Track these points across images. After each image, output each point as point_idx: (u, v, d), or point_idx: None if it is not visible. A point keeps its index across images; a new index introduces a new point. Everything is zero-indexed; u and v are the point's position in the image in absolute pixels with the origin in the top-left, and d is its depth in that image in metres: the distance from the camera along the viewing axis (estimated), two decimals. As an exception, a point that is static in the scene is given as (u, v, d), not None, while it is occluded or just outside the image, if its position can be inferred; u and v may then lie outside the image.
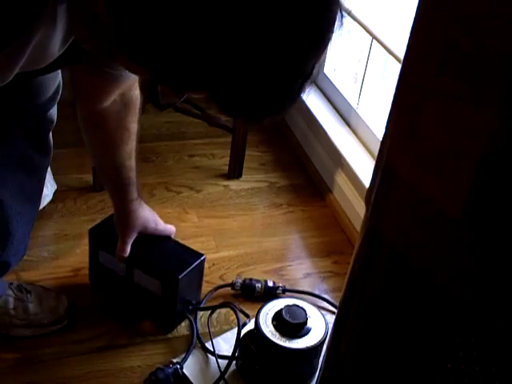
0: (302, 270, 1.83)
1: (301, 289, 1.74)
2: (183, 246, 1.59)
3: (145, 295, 1.55)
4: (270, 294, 1.68)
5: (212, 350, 1.51)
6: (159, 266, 1.51)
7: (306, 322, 1.42)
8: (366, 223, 0.93)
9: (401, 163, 0.82)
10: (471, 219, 0.74)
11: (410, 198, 0.81)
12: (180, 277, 1.47)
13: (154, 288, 1.53)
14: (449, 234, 0.77)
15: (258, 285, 1.70)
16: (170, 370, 1.47)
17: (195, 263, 1.52)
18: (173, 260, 1.52)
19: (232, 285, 1.71)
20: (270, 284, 1.71)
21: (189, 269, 1.50)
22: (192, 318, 1.59)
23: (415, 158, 0.79)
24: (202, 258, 1.55)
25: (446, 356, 0.83)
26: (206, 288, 1.69)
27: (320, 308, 1.55)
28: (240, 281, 1.71)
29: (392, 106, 0.86)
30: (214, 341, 1.53)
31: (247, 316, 1.61)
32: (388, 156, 0.85)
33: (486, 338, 0.79)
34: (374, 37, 1.93)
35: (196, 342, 1.55)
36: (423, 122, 0.78)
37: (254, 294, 1.70)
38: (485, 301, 0.77)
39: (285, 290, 1.71)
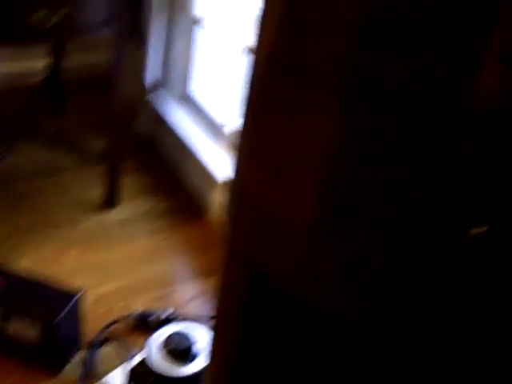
0: (189, 293, 1.83)
1: (190, 312, 1.74)
2: (55, 288, 1.56)
3: (23, 342, 1.51)
4: (165, 321, 1.66)
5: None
6: (33, 313, 1.48)
7: (192, 347, 1.42)
8: (225, 241, 0.93)
9: (249, 176, 0.82)
10: (324, 224, 0.75)
11: (261, 210, 0.81)
12: (55, 322, 1.45)
13: (32, 335, 1.49)
14: (302, 242, 0.77)
15: (152, 315, 1.69)
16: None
17: (70, 304, 1.50)
18: (46, 305, 1.49)
19: (126, 318, 1.69)
20: (163, 312, 1.70)
21: (64, 311, 1.48)
22: (79, 359, 1.57)
23: (262, 169, 0.79)
24: (77, 295, 1.53)
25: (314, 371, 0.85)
26: (96, 325, 1.66)
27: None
28: (134, 313, 1.69)
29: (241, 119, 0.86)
30: (103, 380, 1.51)
31: (136, 348, 1.59)
32: (237, 170, 0.86)
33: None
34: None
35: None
36: (266, 132, 0.78)
37: (149, 325, 1.68)
38: (345, 310, 0.79)
39: (177, 317, 1.70)
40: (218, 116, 2.12)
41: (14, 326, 1.50)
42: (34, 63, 2.64)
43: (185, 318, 1.70)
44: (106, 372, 1.56)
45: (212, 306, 1.76)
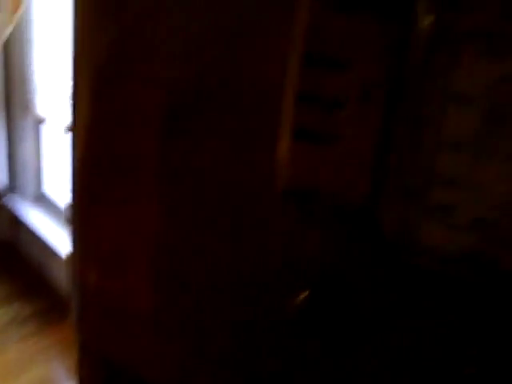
0: (68, 395, 1.77)
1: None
2: None
3: None
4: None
5: None
6: None
7: None
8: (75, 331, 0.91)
9: (85, 267, 0.81)
10: (162, 310, 0.75)
11: (101, 300, 0.80)
12: None
13: None
14: (145, 329, 0.78)
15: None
16: None
17: None
18: None
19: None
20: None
21: None
22: None
23: (96, 260, 0.79)
24: None
25: None
26: None
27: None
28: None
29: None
30: None
31: None
32: (74, 261, 0.85)
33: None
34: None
35: None
36: (92, 224, 0.78)
37: None
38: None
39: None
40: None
41: None
42: None
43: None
44: None
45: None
